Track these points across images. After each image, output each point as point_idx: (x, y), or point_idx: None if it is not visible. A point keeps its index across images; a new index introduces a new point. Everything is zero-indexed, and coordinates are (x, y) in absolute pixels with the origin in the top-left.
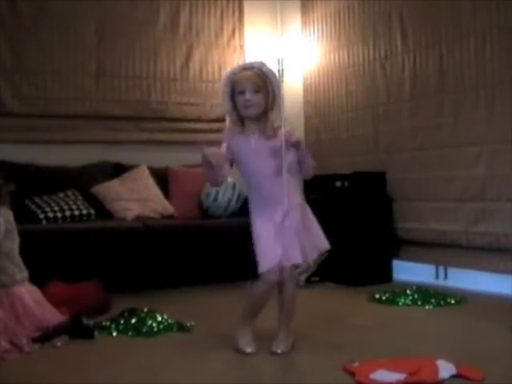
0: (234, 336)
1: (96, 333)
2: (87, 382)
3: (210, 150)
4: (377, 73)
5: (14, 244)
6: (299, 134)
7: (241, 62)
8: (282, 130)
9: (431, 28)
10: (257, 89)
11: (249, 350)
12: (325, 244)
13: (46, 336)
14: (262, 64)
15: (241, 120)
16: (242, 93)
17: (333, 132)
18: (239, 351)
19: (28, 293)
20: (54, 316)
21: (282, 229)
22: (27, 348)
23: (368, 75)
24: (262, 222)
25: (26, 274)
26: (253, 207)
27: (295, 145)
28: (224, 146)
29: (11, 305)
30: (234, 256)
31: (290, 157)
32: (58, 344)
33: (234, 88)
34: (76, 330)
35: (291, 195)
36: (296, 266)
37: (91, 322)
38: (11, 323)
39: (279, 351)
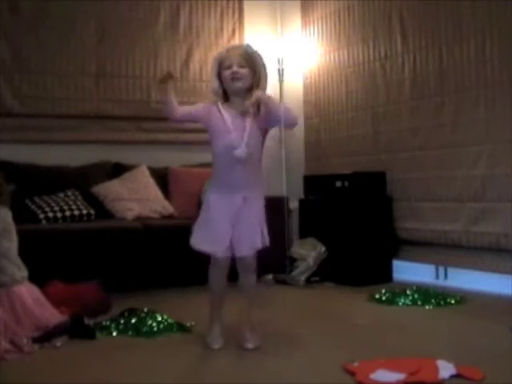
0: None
1: (96, 333)
2: (87, 382)
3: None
4: (377, 73)
5: (12, 244)
6: (299, 133)
7: None
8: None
9: (431, 28)
10: (243, 64)
11: (216, 346)
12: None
13: (46, 336)
14: (248, 46)
15: (226, 98)
16: (229, 67)
17: (333, 132)
18: (207, 347)
19: (28, 292)
20: (53, 316)
21: (239, 217)
22: (27, 348)
23: (368, 75)
24: (219, 203)
25: (25, 273)
26: (212, 184)
27: (260, 102)
28: (200, 105)
29: (11, 304)
30: (234, 256)
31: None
32: (58, 344)
33: (221, 65)
34: (77, 329)
35: (257, 181)
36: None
37: (91, 322)
38: (11, 323)
39: (251, 346)
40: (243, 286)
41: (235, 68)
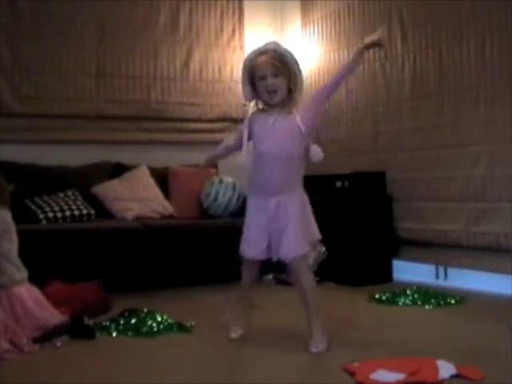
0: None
1: (97, 333)
2: (87, 382)
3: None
4: (377, 73)
5: (12, 244)
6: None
7: (240, 63)
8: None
9: (431, 28)
10: (277, 72)
11: (233, 335)
12: (316, 235)
13: (46, 336)
14: (277, 44)
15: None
16: (263, 78)
17: (333, 132)
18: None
19: (27, 293)
20: (53, 316)
21: (275, 219)
22: (27, 348)
23: (368, 75)
24: (254, 208)
25: (25, 274)
26: (251, 190)
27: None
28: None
29: (11, 305)
30: (234, 256)
31: (303, 141)
32: (58, 344)
33: (254, 74)
34: (77, 329)
35: (295, 183)
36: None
37: (91, 322)
38: (11, 323)
39: (315, 350)
40: (299, 289)
41: (270, 81)
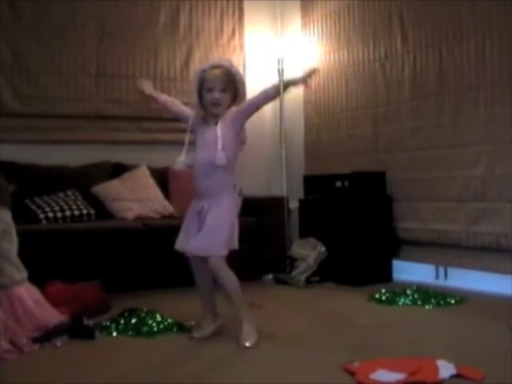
0: None
1: (97, 333)
2: (87, 382)
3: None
4: (377, 73)
5: (12, 245)
6: (299, 133)
7: (241, 63)
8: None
9: (431, 28)
10: (224, 88)
11: (195, 334)
12: (212, 249)
13: (45, 336)
14: (231, 65)
15: (204, 111)
16: (211, 90)
17: (333, 132)
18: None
19: (27, 293)
20: (53, 316)
21: (200, 219)
22: (27, 348)
23: (368, 75)
24: (190, 207)
25: (25, 274)
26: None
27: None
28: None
29: (11, 305)
30: (234, 256)
31: (228, 149)
32: (58, 344)
33: (203, 84)
34: (77, 329)
35: (220, 189)
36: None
37: (91, 322)
38: (11, 323)
39: (248, 344)
40: (220, 288)
41: (216, 95)
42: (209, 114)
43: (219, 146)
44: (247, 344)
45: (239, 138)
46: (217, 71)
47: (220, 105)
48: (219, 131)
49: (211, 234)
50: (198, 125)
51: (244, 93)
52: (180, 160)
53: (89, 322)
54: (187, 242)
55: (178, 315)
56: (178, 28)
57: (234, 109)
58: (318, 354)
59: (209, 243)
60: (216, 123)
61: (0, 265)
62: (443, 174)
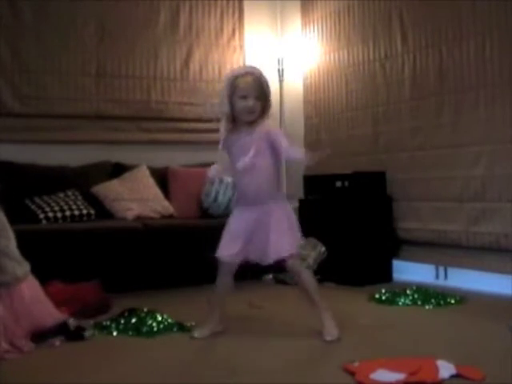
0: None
1: (96, 332)
2: (87, 382)
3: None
4: (377, 73)
5: (9, 241)
6: (299, 133)
7: (240, 63)
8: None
9: (431, 28)
10: (257, 95)
11: (196, 334)
12: (285, 251)
13: (41, 336)
14: (261, 73)
15: (233, 120)
16: (244, 97)
17: (333, 132)
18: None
19: (28, 290)
20: (51, 315)
21: (255, 227)
22: (26, 348)
23: (368, 75)
24: (236, 216)
25: (27, 267)
26: (236, 201)
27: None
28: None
29: (11, 303)
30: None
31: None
32: (57, 343)
33: (235, 91)
34: (64, 335)
35: (271, 195)
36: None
37: (91, 322)
38: (10, 323)
39: (329, 338)
40: (300, 288)
41: (251, 103)
42: (240, 123)
43: (251, 153)
44: (329, 338)
45: (274, 153)
46: (249, 78)
47: (255, 112)
48: (254, 137)
49: (286, 235)
50: (230, 139)
51: (270, 102)
52: (213, 167)
53: (76, 324)
54: (244, 251)
55: (177, 315)
56: (178, 28)
57: (270, 128)
58: (318, 354)
59: (285, 245)
60: (248, 132)
61: (0, 263)
62: (443, 174)
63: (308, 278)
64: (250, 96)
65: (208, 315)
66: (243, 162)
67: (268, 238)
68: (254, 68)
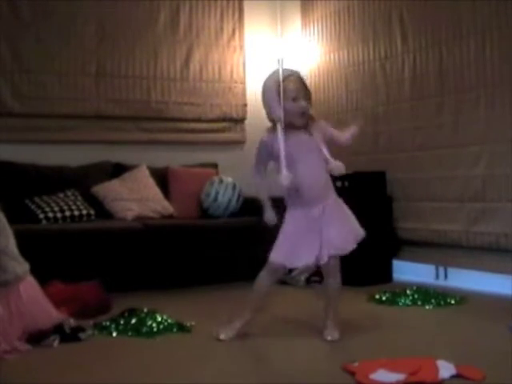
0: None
1: (95, 332)
2: (87, 382)
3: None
4: (377, 73)
5: (9, 239)
6: None
7: (240, 63)
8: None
9: (431, 28)
10: (306, 97)
11: (222, 336)
12: (360, 232)
13: (38, 337)
14: (299, 73)
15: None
16: (295, 100)
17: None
18: (214, 335)
19: (27, 290)
20: (49, 315)
21: (317, 226)
22: (21, 347)
23: (368, 75)
24: (294, 217)
25: (26, 266)
26: (289, 202)
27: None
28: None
29: (10, 304)
30: (234, 256)
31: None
32: (55, 344)
33: (283, 94)
34: (61, 337)
35: (328, 192)
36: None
37: (91, 322)
38: (9, 323)
39: (329, 338)
40: (327, 289)
41: (303, 103)
42: (293, 125)
43: (327, 156)
44: (330, 338)
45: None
46: (294, 80)
47: (306, 113)
48: (317, 139)
49: (345, 229)
50: (276, 142)
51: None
52: (285, 175)
53: (89, 322)
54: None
55: (177, 315)
56: (178, 28)
57: (325, 125)
58: (318, 354)
59: (346, 240)
60: (305, 132)
61: (1, 262)
62: (443, 174)
63: (338, 286)
64: (301, 97)
65: (243, 314)
66: (336, 166)
67: (329, 233)
68: (293, 71)
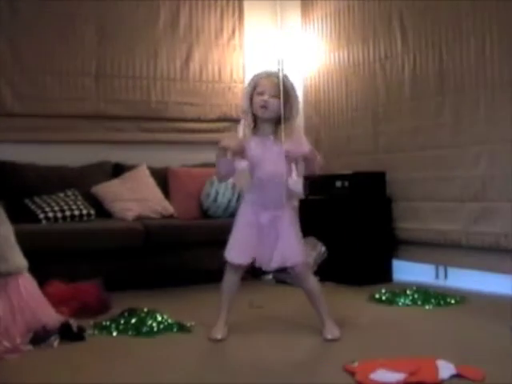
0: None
1: (96, 332)
2: (87, 382)
3: (229, 137)
4: (377, 73)
5: (10, 232)
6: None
7: (240, 63)
8: (283, 136)
9: (431, 28)
10: (275, 94)
11: (219, 336)
12: (296, 257)
13: (39, 337)
14: (287, 77)
15: (254, 122)
16: (261, 94)
17: (333, 132)
18: (210, 338)
19: (26, 285)
20: (49, 313)
21: (267, 232)
22: (23, 347)
23: (368, 75)
24: (247, 218)
25: (26, 262)
26: (245, 202)
27: (306, 156)
28: (240, 139)
29: (10, 299)
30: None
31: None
32: (55, 344)
33: (255, 88)
34: (65, 336)
35: (286, 201)
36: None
37: (91, 322)
38: (11, 321)
39: (330, 337)
40: (306, 291)
41: (266, 97)
42: (262, 126)
43: (291, 169)
44: (329, 337)
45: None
46: (271, 78)
47: (268, 108)
48: (286, 149)
49: (293, 242)
50: (253, 142)
51: (297, 108)
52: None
53: (78, 326)
54: (258, 257)
55: (178, 315)
56: (178, 28)
57: (299, 140)
58: (318, 354)
59: (293, 253)
60: (275, 141)
61: (2, 251)
62: (443, 174)
63: (314, 285)
64: (267, 92)
65: (221, 317)
66: (294, 182)
67: (276, 244)
68: (276, 72)
